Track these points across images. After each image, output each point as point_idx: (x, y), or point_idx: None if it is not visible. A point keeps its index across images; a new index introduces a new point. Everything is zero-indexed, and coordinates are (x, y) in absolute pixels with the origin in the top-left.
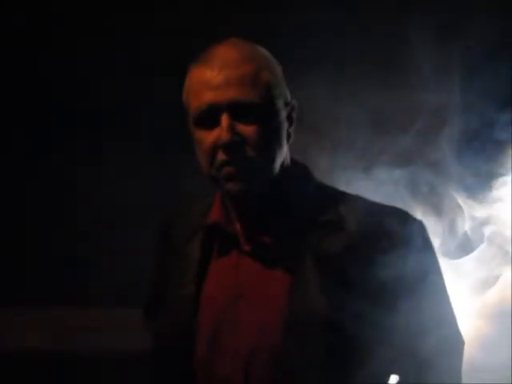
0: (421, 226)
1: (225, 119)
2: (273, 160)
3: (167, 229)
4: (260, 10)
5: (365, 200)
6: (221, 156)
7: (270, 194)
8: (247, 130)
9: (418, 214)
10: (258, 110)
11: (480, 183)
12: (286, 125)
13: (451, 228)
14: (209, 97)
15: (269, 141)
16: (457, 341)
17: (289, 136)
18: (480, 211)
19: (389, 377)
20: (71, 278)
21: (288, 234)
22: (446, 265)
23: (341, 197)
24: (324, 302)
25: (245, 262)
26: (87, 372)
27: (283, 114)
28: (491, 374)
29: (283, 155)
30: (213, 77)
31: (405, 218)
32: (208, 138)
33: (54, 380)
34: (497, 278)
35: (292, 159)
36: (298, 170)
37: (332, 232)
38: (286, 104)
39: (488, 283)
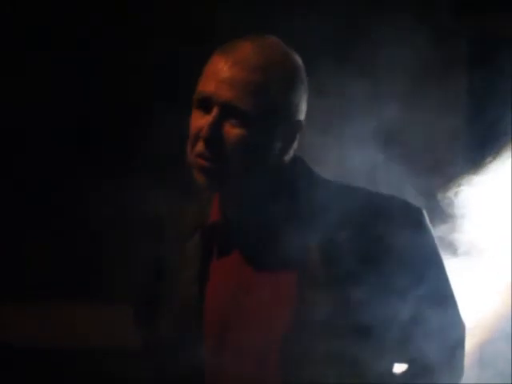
0: (420, 213)
1: (214, 115)
2: (247, 170)
3: (163, 230)
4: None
5: (363, 190)
6: (199, 146)
7: (268, 190)
8: (232, 132)
9: None
10: (248, 120)
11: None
12: (278, 143)
13: None
14: (210, 87)
15: (249, 152)
16: (457, 325)
17: (284, 152)
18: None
19: (393, 363)
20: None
21: (290, 227)
22: None
23: (340, 188)
24: (331, 293)
25: (248, 258)
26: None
27: (278, 131)
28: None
29: (267, 168)
30: (222, 70)
31: (405, 205)
32: (198, 121)
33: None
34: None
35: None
36: (295, 166)
37: (334, 223)
38: (289, 124)
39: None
